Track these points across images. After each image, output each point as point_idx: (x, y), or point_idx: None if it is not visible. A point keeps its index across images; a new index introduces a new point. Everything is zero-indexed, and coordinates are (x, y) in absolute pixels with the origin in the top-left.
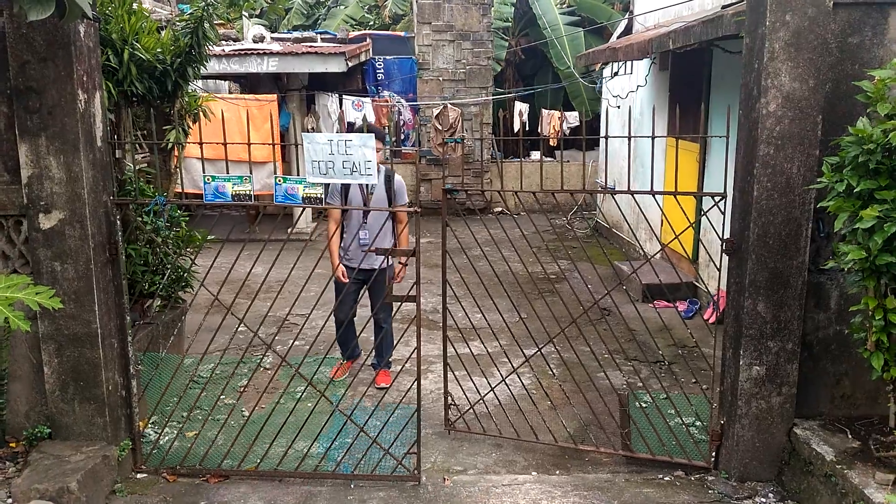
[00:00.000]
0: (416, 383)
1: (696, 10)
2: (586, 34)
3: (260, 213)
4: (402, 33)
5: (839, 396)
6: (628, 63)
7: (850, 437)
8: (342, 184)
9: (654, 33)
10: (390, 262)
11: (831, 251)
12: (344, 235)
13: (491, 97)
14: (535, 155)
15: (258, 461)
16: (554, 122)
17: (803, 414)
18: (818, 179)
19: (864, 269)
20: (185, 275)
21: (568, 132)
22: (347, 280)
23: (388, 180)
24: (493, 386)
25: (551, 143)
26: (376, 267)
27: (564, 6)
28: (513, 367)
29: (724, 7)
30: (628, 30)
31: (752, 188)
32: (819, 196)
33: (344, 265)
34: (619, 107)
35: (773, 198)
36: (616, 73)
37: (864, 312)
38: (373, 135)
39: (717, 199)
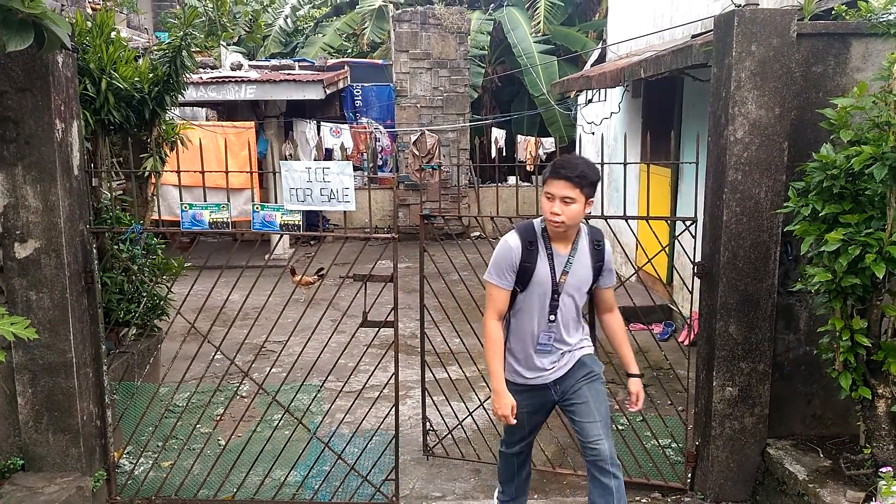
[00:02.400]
0: (393, 409)
1: (666, 39)
2: (561, 62)
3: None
4: (380, 61)
5: (810, 416)
6: (602, 90)
7: (821, 456)
8: (519, 257)
9: (626, 62)
10: (590, 343)
11: (799, 274)
12: (509, 340)
13: (468, 123)
14: (512, 180)
15: (235, 490)
16: (530, 147)
17: (776, 434)
18: (785, 204)
19: (831, 290)
20: (161, 303)
21: (544, 158)
22: (516, 421)
23: (598, 248)
24: (471, 411)
25: (528, 169)
26: (566, 369)
27: (539, 35)
28: (490, 391)
29: (693, 37)
30: (601, 58)
31: (722, 213)
32: (786, 220)
33: (517, 384)
34: (593, 133)
35: (742, 222)
36: (590, 101)
37: (831, 333)
38: (350, 162)
39: (688, 223)
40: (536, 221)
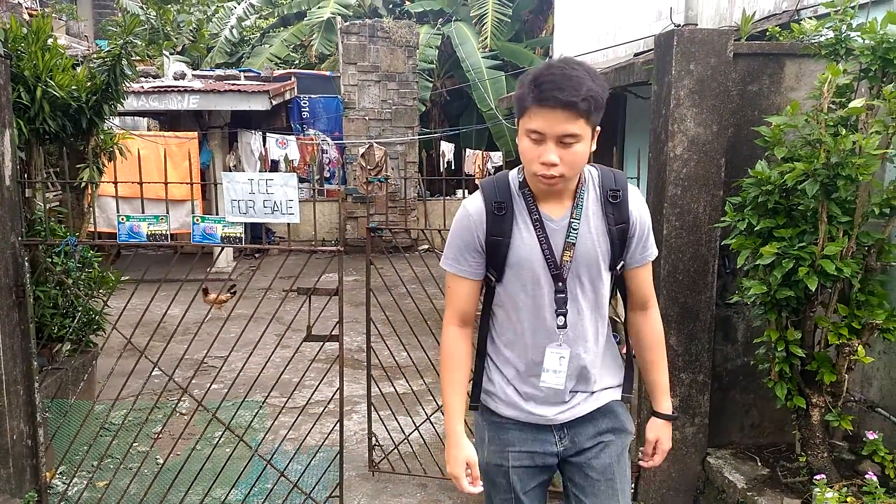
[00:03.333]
0: (338, 424)
1: (610, 56)
2: (509, 77)
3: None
4: (328, 73)
5: (748, 425)
6: None
7: (759, 464)
8: (483, 229)
9: None
10: (623, 393)
11: (736, 286)
12: (494, 346)
13: (416, 137)
14: (460, 193)
15: None
16: (478, 161)
17: (716, 443)
18: (722, 219)
19: (766, 302)
20: (97, 317)
21: (492, 171)
22: (483, 488)
23: (615, 202)
24: (417, 425)
25: (476, 182)
26: (587, 411)
27: (487, 51)
28: (437, 405)
29: (635, 55)
30: None
31: (662, 227)
32: (724, 234)
33: (505, 417)
34: None
35: (682, 236)
36: None
37: (767, 344)
38: (294, 174)
39: None
40: (513, 173)
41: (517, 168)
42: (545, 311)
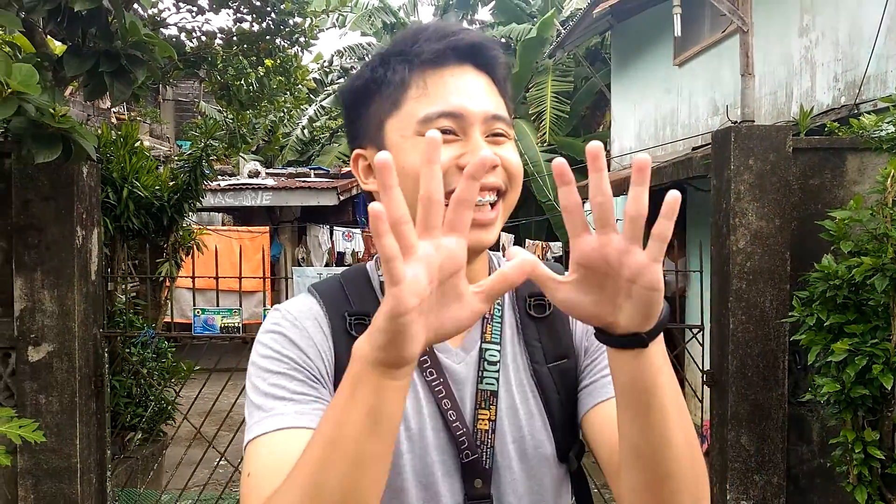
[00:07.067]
0: None
1: (668, 150)
2: None
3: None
4: None
5: None
6: None
7: None
8: (331, 349)
9: (628, 172)
10: None
11: (808, 383)
12: None
13: None
14: None
15: None
16: (538, 251)
17: None
18: (790, 313)
19: (840, 401)
20: (169, 407)
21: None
22: None
23: (545, 315)
24: None
25: None
26: None
27: (545, 145)
28: None
29: (693, 149)
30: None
31: (728, 321)
32: (793, 329)
33: None
34: None
35: (749, 330)
36: None
37: (843, 445)
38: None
39: (695, 330)
40: (372, 265)
41: (376, 258)
42: None
